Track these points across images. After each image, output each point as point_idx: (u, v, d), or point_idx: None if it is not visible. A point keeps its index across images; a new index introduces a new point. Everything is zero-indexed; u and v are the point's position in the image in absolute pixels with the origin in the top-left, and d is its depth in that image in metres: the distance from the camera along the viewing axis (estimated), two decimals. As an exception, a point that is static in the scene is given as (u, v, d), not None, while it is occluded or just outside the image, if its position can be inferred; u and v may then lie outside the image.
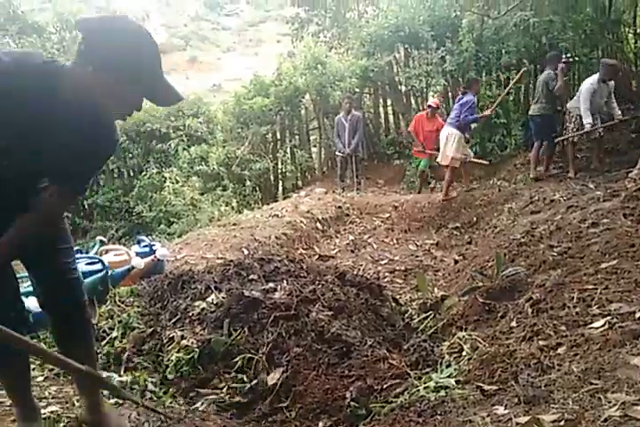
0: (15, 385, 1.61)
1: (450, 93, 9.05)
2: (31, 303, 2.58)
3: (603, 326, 1.96)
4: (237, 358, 2.18)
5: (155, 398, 2.00)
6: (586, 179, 4.81)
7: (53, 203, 1.39)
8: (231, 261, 3.06)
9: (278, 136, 9.42)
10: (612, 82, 5.66)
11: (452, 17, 8.65)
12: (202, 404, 1.99)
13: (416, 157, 7.63)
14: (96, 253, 3.46)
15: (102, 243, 3.69)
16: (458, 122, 5.72)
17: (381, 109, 9.68)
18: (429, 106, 7.20)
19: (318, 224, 5.36)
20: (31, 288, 2.87)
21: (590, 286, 2.31)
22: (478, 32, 8.16)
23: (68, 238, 1.61)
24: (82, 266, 3.31)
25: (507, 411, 1.58)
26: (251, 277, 2.79)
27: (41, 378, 2.12)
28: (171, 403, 1.97)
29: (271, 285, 2.66)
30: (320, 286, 2.73)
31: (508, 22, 7.77)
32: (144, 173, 8.88)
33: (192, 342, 2.24)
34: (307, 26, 13.21)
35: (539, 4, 7.71)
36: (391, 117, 9.60)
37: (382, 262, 4.38)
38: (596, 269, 2.48)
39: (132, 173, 9.44)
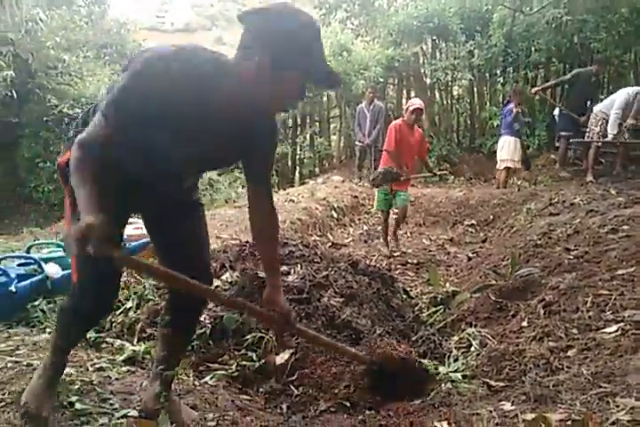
0: (70, 348, 1.66)
1: (475, 89, 8.93)
2: (50, 270, 2.65)
3: (615, 331, 1.95)
4: (248, 337, 2.21)
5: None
6: (607, 184, 4.74)
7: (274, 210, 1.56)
8: (247, 241, 3.09)
9: (299, 122, 9.40)
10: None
11: (482, 11, 8.52)
12: (211, 378, 2.03)
13: (386, 193, 4.57)
14: (115, 226, 3.53)
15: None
16: (508, 129, 6.14)
17: (404, 101, 9.61)
18: (417, 109, 4.49)
19: (333, 212, 5.37)
20: (50, 255, 2.95)
21: (605, 292, 2.30)
22: (509, 28, 8.03)
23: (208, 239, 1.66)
24: (100, 237, 3.38)
25: (513, 407, 1.60)
26: (265, 258, 2.81)
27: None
28: (180, 375, 2.01)
29: (285, 268, 2.68)
30: (333, 272, 2.75)
31: (539, 19, 7.64)
32: (164, 151, 8.95)
33: (205, 318, 2.27)
34: (335, 11, 13.08)
35: (572, 3, 7.54)
36: (413, 110, 9.52)
37: (395, 254, 4.39)
38: (611, 276, 2.46)
39: (151, 150, 9.50)
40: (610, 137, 5.40)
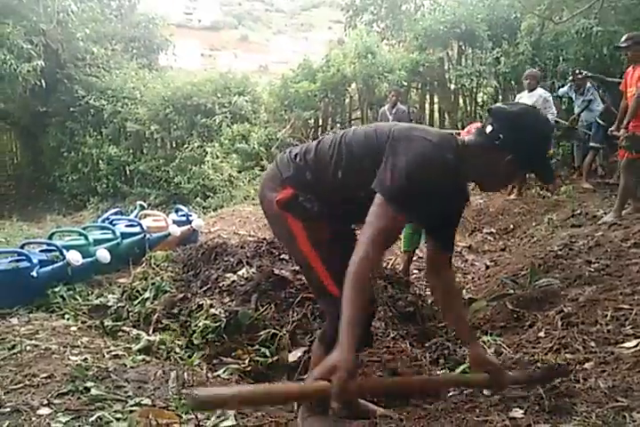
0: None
1: (500, 97, 8.84)
2: (71, 257, 2.70)
3: (635, 346, 1.93)
4: (262, 333, 2.23)
5: (179, 360, 2.06)
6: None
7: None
8: (264, 238, 3.10)
9: (320, 122, 9.42)
10: (540, 91, 5.62)
11: (511, 18, 8.40)
12: (224, 371, 2.05)
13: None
14: (136, 217, 3.58)
15: (142, 207, 3.80)
16: None
17: (427, 106, 9.55)
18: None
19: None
20: (72, 242, 3.01)
21: (626, 306, 2.26)
22: (537, 36, 7.90)
23: None
24: (121, 227, 3.44)
25: (527, 416, 1.58)
26: (282, 256, 2.82)
27: (75, 328, 2.22)
28: (194, 367, 2.03)
29: (298, 268, 2.68)
30: (349, 273, 2.74)
31: (569, 29, 7.49)
32: (186, 146, 9.06)
33: (220, 312, 2.29)
34: (361, 14, 13.09)
35: (604, 13, 7.38)
36: (436, 114, 9.45)
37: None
38: (633, 290, 2.42)
39: (174, 145, 9.62)
40: None
